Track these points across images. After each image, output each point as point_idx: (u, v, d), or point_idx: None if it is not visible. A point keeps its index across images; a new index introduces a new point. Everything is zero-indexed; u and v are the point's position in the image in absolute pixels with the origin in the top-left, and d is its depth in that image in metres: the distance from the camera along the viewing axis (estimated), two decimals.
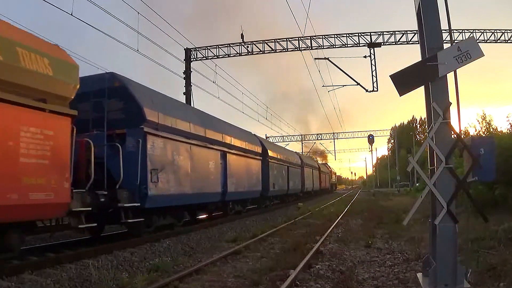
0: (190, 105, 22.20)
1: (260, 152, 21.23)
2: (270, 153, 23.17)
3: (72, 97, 7.69)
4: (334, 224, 14.11)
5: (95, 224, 8.75)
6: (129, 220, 9.55)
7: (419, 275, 5.05)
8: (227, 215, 17.05)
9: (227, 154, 16.07)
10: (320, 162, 58.82)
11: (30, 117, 6.54)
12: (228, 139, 16.54)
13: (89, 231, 9.57)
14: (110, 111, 9.74)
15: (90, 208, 8.10)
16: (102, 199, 8.72)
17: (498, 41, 24.95)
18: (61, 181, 7.11)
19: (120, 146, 9.51)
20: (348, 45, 24.70)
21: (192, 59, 24.83)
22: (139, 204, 9.82)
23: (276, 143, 38.69)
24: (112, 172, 9.40)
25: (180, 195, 11.98)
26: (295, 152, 37.93)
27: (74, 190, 7.57)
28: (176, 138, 11.84)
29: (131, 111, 10.21)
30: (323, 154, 71.94)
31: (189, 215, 13.84)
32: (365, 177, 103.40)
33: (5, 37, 6.35)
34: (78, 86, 7.81)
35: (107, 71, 10.86)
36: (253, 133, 22.49)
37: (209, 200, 14.71)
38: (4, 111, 6.02)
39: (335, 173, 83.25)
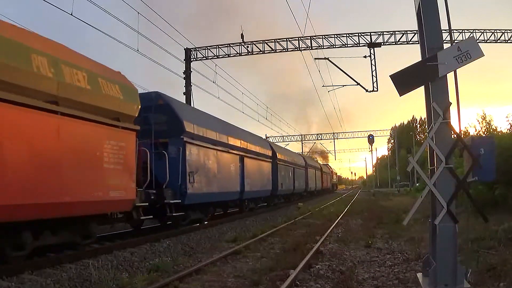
0: (190, 105, 22.36)
1: (270, 155, 23.07)
2: (279, 155, 25.10)
3: (136, 115, 9.53)
4: (334, 224, 14.12)
5: (151, 217, 11.20)
6: (174, 214, 11.82)
7: (419, 275, 5.05)
8: (242, 212, 18.89)
9: (244, 158, 18.18)
10: (321, 162, 60.37)
11: (109, 133, 8.47)
12: (245, 145, 18.65)
13: (130, 223, 11.24)
14: (155, 123, 11.56)
15: (147, 204, 10.25)
16: (153, 197, 10.72)
17: (498, 41, 24.95)
18: (130, 182, 9.06)
19: (166, 153, 11.59)
20: (348, 45, 24.73)
21: (192, 59, 24.83)
22: (180, 201, 11.96)
23: (276, 143, 38.81)
24: (157, 175, 11.22)
25: (209, 194, 14.23)
26: (300, 154, 41.09)
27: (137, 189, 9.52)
28: (206, 145, 14.07)
29: (173, 124, 12.22)
30: (324, 155, 73.80)
31: (213, 211, 16.14)
32: (365, 177, 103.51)
33: (92, 71, 8.25)
34: (139, 106, 9.66)
35: (154, 91, 12.75)
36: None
37: (230, 198, 16.79)
38: (93, 129, 8.04)
39: (336, 174, 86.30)
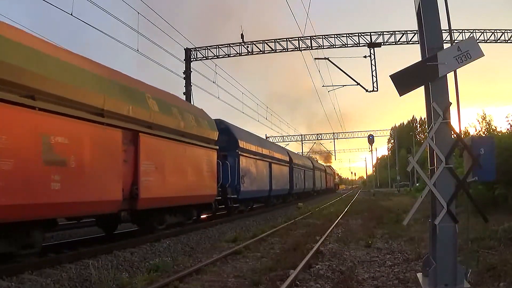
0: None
1: (288, 160, 28.56)
2: (294, 160, 30.65)
3: (216, 139, 14.51)
4: (334, 224, 14.12)
5: (224, 206, 16.69)
6: (234, 205, 17.49)
7: (419, 275, 5.05)
8: (268, 206, 24.15)
9: (272, 164, 23.68)
10: (324, 164, 64.14)
11: (206, 152, 13.43)
12: (272, 153, 24.36)
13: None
14: (218, 141, 14.97)
15: (221, 197, 15.66)
16: (221, 193, 15.87)
17: (498, 41, 24.95)
18: (214, 183, 14.10)
19: (228, 163, 16.50)
20: (348, 45, 24.72)
21: (192, 59, 24.82)
22: (236, 196, 17.41)
23: (276, 143, 39.38)
24: (222, 177, 15.52)
25: (252, 191, 19.73)
26: (308, 157, 47.21)
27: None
28: (250, 156, 19.66)
29: (231, 142, 17.59)
30: (327, 156, 76.65)
31: (252, 204, 21.81)
32: (365, 177, 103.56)
33: (195, 113, 13.27)
34: (218, 133, 14.68)
35: (218, 118, 16.96)
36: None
37: (263, 194, 22.38)
38: (199, 150, 12.90)
39: (338, 174, 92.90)
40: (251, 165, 19.67)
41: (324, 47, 24.94)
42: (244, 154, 18.66)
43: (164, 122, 10.85)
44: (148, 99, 10.37)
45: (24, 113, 6.49)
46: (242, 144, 18.50)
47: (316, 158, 67.16)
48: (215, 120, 15.82)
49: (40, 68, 6.96)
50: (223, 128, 16.77)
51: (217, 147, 14.43)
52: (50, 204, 6.93)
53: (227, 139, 16.98)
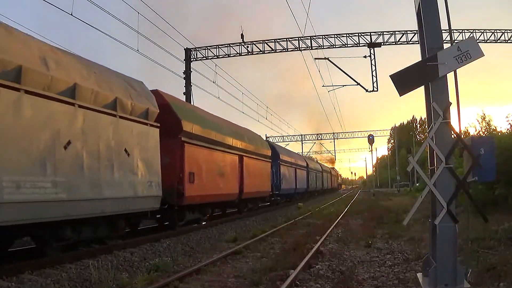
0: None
1: (305, 165, 36.70)
2: (310, 165, 39.44)
3: (270, 155, 23.53)
4: (334, 224, 14.12)
5: (273, 199, 25.79)
6: (277, 198, 26.23)
7: (419, 275, 5.05)
8: (291, 200, 32.08)
9: (296, 169, 31.72)
10: (329, 166, 71.43)
11: (265, 163, 22.43)
12: (296, 161, 32.62)
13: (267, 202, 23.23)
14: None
15: (271, 192, 24.28)
16: (270, 191, 23.88)
17: (498, 41, 24.95)
18: (268, 183, 23.07)
19: (273, 170, 24.61)
20: (348, 45, 24.72)
21: (192, 59, 24.82)
22: (278, 192, 25.64)
23: (276, 143, 39.76)
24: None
25: (286, 189, 27.89)
26: (317, 162, 57.31)
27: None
28: (286, 165, 28.08)
29: (275, 155, 25.19)
30: (330, 159, 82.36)
31: (284, 199, 29.67)
32: (365, 177, 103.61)
33: (255, 138, 22.03)
34: (270, 149, 24.23)
35: (267, 140, 29.81)
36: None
37: (291, 192, 30.20)
38: (261, 162, 21.66)
39: (340, 175, 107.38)
40: (286, 171, 27.85)
41: (324, 47, 24.97)
42: (283, 164, 27.16)
43: (249, 148, 19.54)
44: (243, 137, 19.18)
45: (228, 155, 16.72)
46: (282, 156, 27.18)
47: (316, 158, 68.19)
48: (267, 141, 27.20)
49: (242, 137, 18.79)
50: (271, 146, 25.87)
51: (270, 160, 23.57)
52: (218, 194, 15.33)
53: (272, 153, 24.50)
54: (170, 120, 11.77)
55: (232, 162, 16.80)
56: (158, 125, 10.65)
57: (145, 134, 10.20)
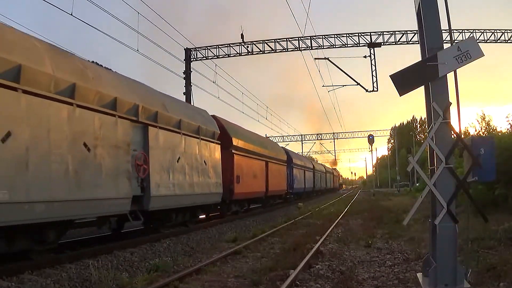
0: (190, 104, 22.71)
1: (312, 167, 42.09)
2: (316, 167, 45.41)
3: (286, 159, 29.33)
4: (334, 224, 14.11)
5: (287, 196, 30.76)
6: (291, 196, 31.54)
7: (419, 275, 5.05)
8: (301, 197, 36.85)
9: (305, 171, 37.04)
10: (331, 167, 76.88)
11: (283, 167, 27.84)
12: (305, 164, 38.44)
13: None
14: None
15: (288, 190, 29.79)
16: (286, 190, 29.07)
17: (498, 41, 24.94)
18: (284, 182, 28.08)
19: (287, 172, 29.07)
20: (348, 45, 24.71)
21: (192, 59, 24.81)
22: (291, 191, 30.54)
23: (277, 143, 39.97)
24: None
25: (297, 188, 32.66)
26: (322, 164, 61.68)
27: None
28: (296, 167, 32.47)
29: (289, 160, 29.93)
30: (333, 161, 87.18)
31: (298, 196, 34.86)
32: (365, 177, 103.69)
33: (276, 147, 30.17)
34: (286, 155, 30.26)
35: (282, 146, 35.61)
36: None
37: (300, 190, 34.96)
38: (279, 165, 26.51)
39: (342, 176, 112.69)
40: (297, 173, 33.07)
41: (324, 47, 24.95)
42: (295, 166, 32.09)
43: (272, 155, 24.48)
44: (267, 146, 24.42)
45: (259, 162, 21.61)
46: (294, 160, 31.75)
47: (316, 159, 68.89)
48: (283, 147, 33.27)
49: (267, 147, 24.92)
50: (286, 152, 30.81)
51: (286, 164, 28.58)
52: (253, 192, 19.90)
53: (287, 158, 29.00)
54: (225, 137, 16.20)
55: (260, 167, 21.87)
56: (219, 142, 15.32)
57: (213, 149, 14.78)
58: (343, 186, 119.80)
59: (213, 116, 16.13)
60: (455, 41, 7.65)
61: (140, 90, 10.88)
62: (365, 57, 23.93)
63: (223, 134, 15.95)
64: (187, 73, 24.17)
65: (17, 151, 6.49)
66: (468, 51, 4.52)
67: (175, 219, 12.27)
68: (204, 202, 13.63)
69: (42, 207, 6.81)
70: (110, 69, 10.30)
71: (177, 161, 11.63)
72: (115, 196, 8.76)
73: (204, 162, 13.61)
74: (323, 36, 25.02)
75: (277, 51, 25.32)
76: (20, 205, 6.41)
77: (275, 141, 48.99)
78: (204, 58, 25.13)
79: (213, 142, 14.62)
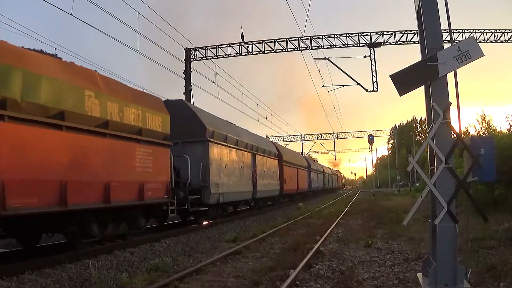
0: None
1: (322, 170, 49.74)
2: (324, 170, 54.43)
3: (307, 165, 38.57)
4: (334, 224, 14.11)
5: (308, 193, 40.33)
6: (310, 193, 41.14)
7: (419, 275, 5.05)
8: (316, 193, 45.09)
9: (311, 171, 40.24)
10: (334, 169, 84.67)
11: (305, 171, 37.72)
12: (322, 169, 51.79)
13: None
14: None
15: (309, 189, 39.74)
16: (308, 188, 39.06)
17: (498, 41, 24.94)
18: (307, 183, 36.98)
19: (308, 175, 37.21)
20: (348, 45, 24.71)
21: (192, 59, 24.82)
22: (309, 189, 39.38)
23: (277, 143, 40.38)
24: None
25: (315, 187, 43.68)
26: (329, 167, 70.53)
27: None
28: (313, 171, 42.03)
29: (309, 166, 38.94)
30: (336, 163, 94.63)
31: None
32: (365, 177, 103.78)
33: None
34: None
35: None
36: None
37: (316, 189, 43.86)
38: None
39: (344, 176, 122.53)
40: (314, 175, 41.90)
41: (324, 47, 24.95)
42: (312, 171, 39.71)
43: (300, 163, 33.35)
44: (298, 158, 35.22)
45: (291, 168, 30.31)
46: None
47: (316, 158, 69.35)
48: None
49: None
50: (306, 160, 37.54)
51: (307, 169, 36.67)
52: (289, 189, 28.70)
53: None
54: (279, 155, 26.13)
55: (294, 172, 30.60)
56: (277, 158, 25.59)
57: (275, 162, 24.97)
58: (344, 186, 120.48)
59: (272, 142, 29.85)
60: (455, 41, 7.64)
61: (252, 136, 22.16)
62: (365, 57, 23.93)
63: (278, 153, 26.32)
64: (187, 73, 24.18)
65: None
66: (468, 51, 4.51)
67: (264, 203, 23.30)
68: (271, 195, 24.46)
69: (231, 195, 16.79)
70: (235, 125, 19.63)
71: (264, 171, 22.11)
72: (248, 190, 19.28)
73: (273, 171, 24.30)
74: (323, 36, 25.03)
75: (277, 51, 25.33)
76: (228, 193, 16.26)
77: (275, 141, 49.23)
78: (204, 58, 25.13)
79: (274, 159, 24.92)
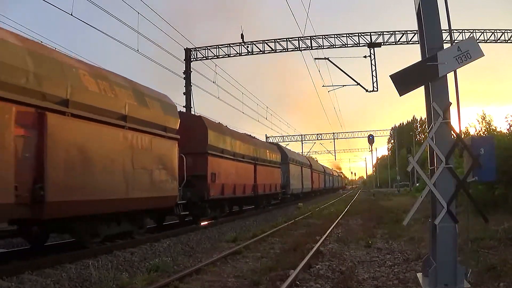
0: (190, 104, 22.88)
1: (332, 174, 65.44)
2: (327, 171, 59.70)
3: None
4: (334, 224, 14.12)
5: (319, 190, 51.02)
6: (317, 192, 49.04)
7: (419, 275, 5.05)
8: (313, 196, 45.13)
9: (312, 172, 42.27)
10: (337, 170, 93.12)
11: (319, 174, 52.44)
12: (331, 172, 68.59)
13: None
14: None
15: (324, 187, 54.60)
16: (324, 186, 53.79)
17: (498, 41, 24.92)
18: (322, 183, 52.78)
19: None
20: (348, 45, 24.68)
21: (192, 59, 24.81)
22: (324, 187, 55.15)
23: (278, 143, 40.56)
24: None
25: (328, 186, 59.39)
26: (332, 169, 77.86)
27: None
28: (326, 174, 58.09)
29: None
30: (338, 165, 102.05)
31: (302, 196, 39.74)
32: (365, 177, 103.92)
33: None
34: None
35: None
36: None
37: (307, 190, 39.11)
38: (317, 174, 48.61)
39: (345, 177, 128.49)
40: (327, 177, 53.83)
41: (324, 47, 24.92)
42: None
43: (317, 168, 46.95)
44: (312, 162, 43.88)
45: (304, 168, 37.60)
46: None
47: (316, 158, 69.59)
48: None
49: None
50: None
51: (323, 173, 50.19)
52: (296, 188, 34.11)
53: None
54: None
55: (317, 175, 40.49)
56: (310, 168, 39.03)
57: (308, 171, 39.02)
58: (345, 186, 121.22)
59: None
60: (455, 41, 7.64)
61: (308, 160, 40.28)
62: (365, 57, 23.90)
63: (310, 164, 37.82)
64: (187, 73, 24.16)
65: (299, 179, 35.67)
66: (468, 51, 4.51)
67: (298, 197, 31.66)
68: (309, 190, 36.09)
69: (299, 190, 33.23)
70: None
71: (303, 176, 33.41)
72: (307, 187, 36.84)
73: (308, 176, 33.72)
74: (323, 36, 25.01)
75: (277, 51, 25.30)
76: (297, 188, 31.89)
77: (274, 141, 49.17)
78: (204, 58, 25.11)
79: (308, 168, 34.45)
